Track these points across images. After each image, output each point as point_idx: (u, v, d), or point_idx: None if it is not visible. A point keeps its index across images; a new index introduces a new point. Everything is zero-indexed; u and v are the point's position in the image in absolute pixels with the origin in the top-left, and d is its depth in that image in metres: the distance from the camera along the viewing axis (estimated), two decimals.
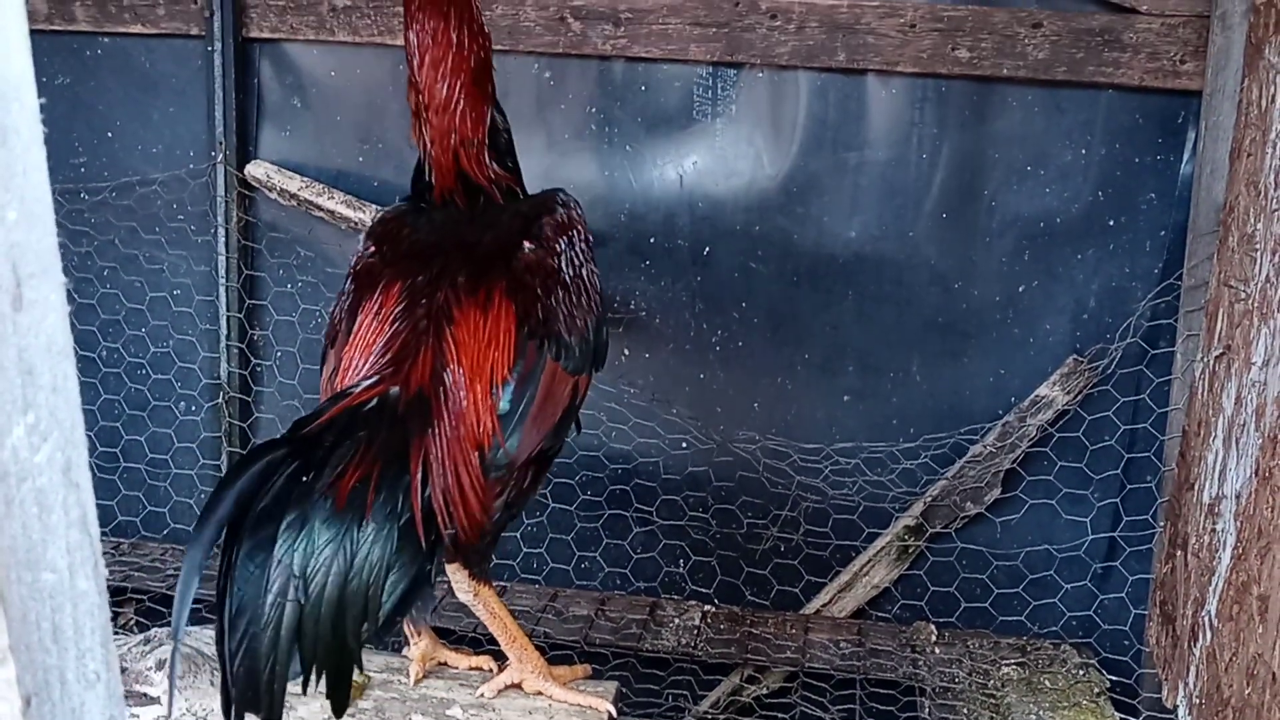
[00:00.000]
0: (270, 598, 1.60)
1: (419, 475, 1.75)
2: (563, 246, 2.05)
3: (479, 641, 2.62)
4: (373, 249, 2.08)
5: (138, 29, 2.98)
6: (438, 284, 1.94)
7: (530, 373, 1.90)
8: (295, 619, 1.61)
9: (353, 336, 1.96)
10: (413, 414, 1.80)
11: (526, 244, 2.02)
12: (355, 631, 1.66)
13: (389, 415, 1.78)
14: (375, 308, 1.96)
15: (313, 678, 1.65)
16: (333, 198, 2.92)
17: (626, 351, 2.93)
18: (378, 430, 1.75)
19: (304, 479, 1.65)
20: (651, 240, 2.88)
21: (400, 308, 1.94)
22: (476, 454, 1.82)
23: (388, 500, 1.70)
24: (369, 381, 1.83)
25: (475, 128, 2.08)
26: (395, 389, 1.81)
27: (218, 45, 2.90)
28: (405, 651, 2.25)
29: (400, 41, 2.85)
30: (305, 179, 2.96)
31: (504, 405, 1.86)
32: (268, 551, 1.60)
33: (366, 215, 2.89)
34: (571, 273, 2.03)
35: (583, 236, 2.11)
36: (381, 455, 1.72)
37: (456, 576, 2.01)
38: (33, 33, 0.66)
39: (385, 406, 1.79)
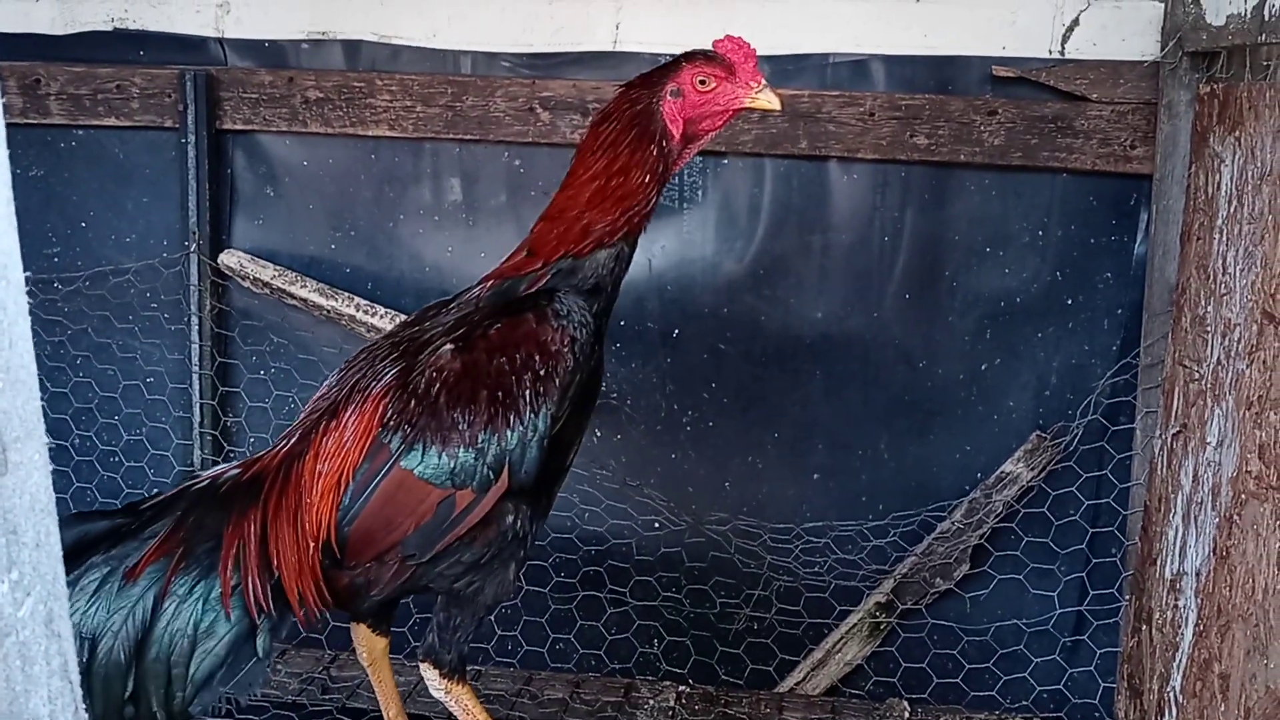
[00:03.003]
0: None
1: (232, 553, 1.83)
2: (488, 350, 1.92)
3: None
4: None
5: (112, 121, 3.02)
6: (351, 380, 1.99)
7: (373, 475, 1.88)
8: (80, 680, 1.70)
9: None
10: (237, 496, 1.89)
11: (448, 345, 1.94)
12: (161, 698, 1.76)
13: (209, 495, 1.88)
14: (312, 402, 2.05)
15: None
16: (305, 286, 2.95)
17: (599, 433, 2.96)
18: (193, 508, 1.86)
19: (110, 550, 1.78)
20: (621, 323, 2.92)
21: (316, 404, 2.02)
22: (314, 544, 1.87)
23: (197, 575, 1.80)
24: (220, 468, 1.96)
25: (541, 251, 2.05)
26: (233, 471, 1.92)
27: (191, 137, 2.94)
28: None
29: (372, 132, 2.93)
30: (278, 267, 2.99)
31: (345, 501, 1.89)
32: None
33: (338, 303, 2.93)
34: (486, 380, 1.89)
35: (535, 347, 1.91)
36: (193, 532, 1.83)
37: (428, 675, 2.02)
38: (6, 126, 0.70)
39: (210, 487, 1.90)
